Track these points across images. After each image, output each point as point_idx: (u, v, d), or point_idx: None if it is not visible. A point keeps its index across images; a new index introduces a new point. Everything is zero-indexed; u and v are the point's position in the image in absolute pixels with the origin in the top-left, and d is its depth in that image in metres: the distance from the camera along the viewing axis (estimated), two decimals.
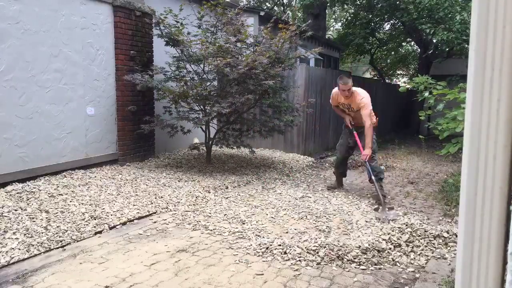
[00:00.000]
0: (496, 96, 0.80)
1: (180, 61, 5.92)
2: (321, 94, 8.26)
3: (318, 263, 2.96)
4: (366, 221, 3.96)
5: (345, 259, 3.00)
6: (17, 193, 4.17)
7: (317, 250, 3.10)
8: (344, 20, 16.62)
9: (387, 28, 15.05)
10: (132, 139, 6.04)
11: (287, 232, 3.61)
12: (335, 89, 4.95)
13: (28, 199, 4.04)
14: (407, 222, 3.54)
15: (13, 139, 4.48)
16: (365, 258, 3.02)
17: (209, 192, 4.83)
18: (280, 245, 3.24)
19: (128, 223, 3.76)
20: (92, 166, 5.47)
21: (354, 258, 3.01)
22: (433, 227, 3.56)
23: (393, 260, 3.05)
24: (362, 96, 4.74)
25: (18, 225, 3.40)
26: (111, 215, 3.84)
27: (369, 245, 3.14)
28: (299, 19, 15.71)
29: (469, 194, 0.85)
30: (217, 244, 3.30)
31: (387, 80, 18.42)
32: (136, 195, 4.50)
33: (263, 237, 3.44)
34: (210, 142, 6.26)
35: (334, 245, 3.13)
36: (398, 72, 20.54)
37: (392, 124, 12.89)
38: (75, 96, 5.23)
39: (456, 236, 3.10)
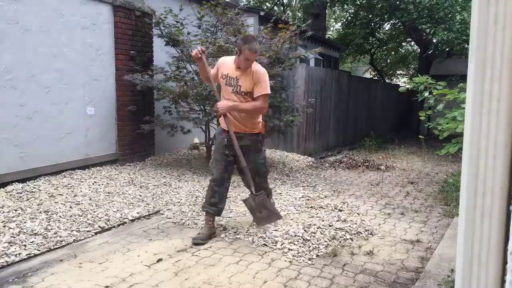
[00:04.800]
0: (496, 96, 0.80)
1: (180, 61, 5.92)
2: (321, 94, 8.26)
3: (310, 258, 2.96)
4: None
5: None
6: (17, 193, 4.17)
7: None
8: (344, 20, 16.62)
9: (387, 28, 15.05)
10: (132, 139, 6.03)
11: (287, 232, 3.61)
12: (225, 57, 3.64)
13: (28, 199, 4.04)
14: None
15: (13, 139, 4.48)
16: None
17: None
18: (277, 245, 3.24)
19: (128, 223, 3.75)
20: (92, 166, 5.47)
21: None
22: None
23: None
24: (263, 72, 3.39)
25: (18, 225, 3.40)
26: (111, 215, 3.84)
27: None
28: (299, 19, 15.71)
29: (469, 194, 0.85)
30: (217, 244, 3.30)
31: (387, 80, 18.42)
32: (136, 195, 4.50)
33: (264, 237, 3.44)
34: (210, 142, 6.26)
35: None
36: (398, 72, 20.55)
37: (392, 124, 12.89)
38: (75, 96, 5.22)
39: None
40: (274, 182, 5.55)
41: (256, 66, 3.39)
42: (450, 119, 3.58)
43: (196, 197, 4.56)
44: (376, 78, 17.72)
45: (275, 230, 3.65)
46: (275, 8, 19.86)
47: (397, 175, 6.47)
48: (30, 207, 3.81)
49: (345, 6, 14.35)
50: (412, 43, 16.46)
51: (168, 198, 4.49)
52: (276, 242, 3.33)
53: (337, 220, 3.94)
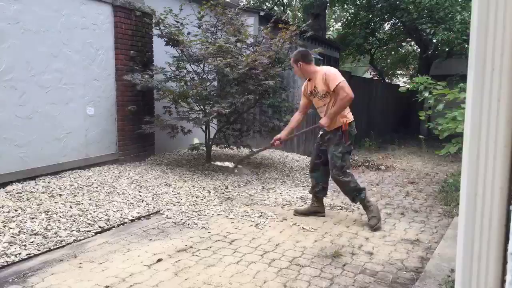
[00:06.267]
0: (496, 96, 0.80)
1: (180, 61, 5.92)
2: None
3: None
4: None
5: None
6: (17, 193, 4.16)
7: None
8: (344, 20, 16.63)
9: (387, 28, 15.06)
10: (132, 139, 6.03)
11: (287, 235, 3.61)
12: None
13: (28, 199, 4.04)
14: None
15: (13, 139, 4.48)
16: None
17: (209, 192, 4.82)
18: (278, 245, 3.24)
19: (128, 223, 3.75)
20: (92, 166, 5.46)
21: None
22: None
23: None
24: (327, 69, 3.84)
25: (18, 225, 3.40)
26: (111, 215, 3.84)
27: None
28: (299, 19, 15.70)
29: (469, 194, 0.85)
30: (217, 244, 3.30)
31: (387, 80, 18.42)
32: (136, 195, 4.50)
33: (263, 237, 3.45)
34: (210, 142, 6.26)
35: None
36: (398, 72, 20.56)
37: (392, 124, 12.89)
38: (75, 96, 5.22)
39: None
40: (274, 182, 5.55)
41: (323, 69, 3.86)
42: (450, 119, 3.59)
43: (196, 197, 4.56)
44: (376, 78, 17.72)
45: (276, 230, 3.65)
46: (275, 8, 19.86)
47: (397, 175, 6.47)
48: (30, 207, 3.81)
49: (345, 6, 14.35)
50: (412, 43, 16.47)
51: (168, 198, 4.49)
52: (276, 242, 3.33)
53: (337, 220, 3.94)
